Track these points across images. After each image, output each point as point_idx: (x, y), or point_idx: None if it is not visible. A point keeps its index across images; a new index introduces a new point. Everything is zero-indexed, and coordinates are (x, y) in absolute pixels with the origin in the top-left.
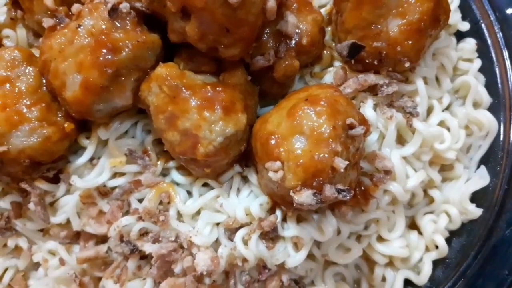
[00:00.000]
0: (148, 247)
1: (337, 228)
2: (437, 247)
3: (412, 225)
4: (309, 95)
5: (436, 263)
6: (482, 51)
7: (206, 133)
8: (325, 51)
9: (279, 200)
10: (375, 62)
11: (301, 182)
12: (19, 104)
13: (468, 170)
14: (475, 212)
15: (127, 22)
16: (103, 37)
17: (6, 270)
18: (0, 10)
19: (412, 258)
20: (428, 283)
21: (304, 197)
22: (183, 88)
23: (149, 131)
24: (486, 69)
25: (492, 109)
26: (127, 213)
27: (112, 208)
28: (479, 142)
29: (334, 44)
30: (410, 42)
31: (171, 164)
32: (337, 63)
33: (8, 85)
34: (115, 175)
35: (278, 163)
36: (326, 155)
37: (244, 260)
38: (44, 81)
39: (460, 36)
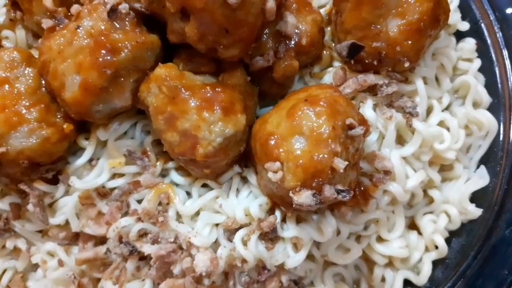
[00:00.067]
0: (147, 248)
1: (336, 228)
2: (436, 247)
3: (412, 225)
4: (309, 96)
5: (435, 263)
6: (482, 51)
7: (206, 133)
8: (324, 52)
9: (279, 201)
10: (375, 62)
11: (301, 183)
12: (18, 105)
13: (468, 170)
14: (475, 212)
15: (126, 23)
16: (102, 38)
17: (4, 271)
18: None
19: (411, 259)
20: (428, 284)
21: (304, 197)
22: (183, 89)
23: (148, 132)
24: (486, 69)
25: (491, 109)
26: (126, 214)
27: (111, 209)
28: (478, 142)
29: (333, 44)
30: (409, 42)
31: (170, 164)
32: (337, 63)
33: (7, 86)
34: (114, 176)
35: (278, 164)
36: (326, 156)
37: (244, 261)
38: (43, 82)
39: (459, 36)
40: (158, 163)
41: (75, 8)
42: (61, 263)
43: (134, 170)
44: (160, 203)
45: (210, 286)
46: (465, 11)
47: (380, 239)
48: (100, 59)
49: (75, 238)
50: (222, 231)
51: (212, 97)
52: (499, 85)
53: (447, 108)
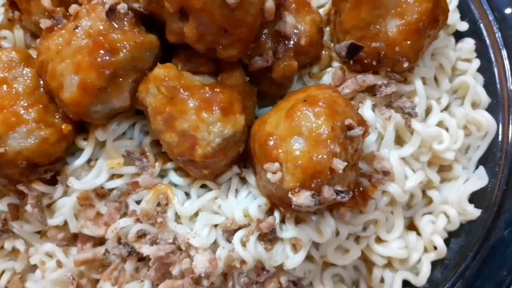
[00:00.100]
0: (146, 249)
1: (335, 229)
2: (435, 248)
3: (411, 226)
4: (308, 96)
5: (434, 264)
6: (481, 51)
7: (204, 134)
8: (323, 52)
9: (278, 202)
10: (374, 63)
11: (300, 184)
12: (16, 106)
13: (467, 171)
14: (474, 212)
15: (125, 23)
16: (101, 38)
17: (3, 272)
18: None
19: (410, 259)
20: (427, 284)
21: (303, 198)
22: (181, 89)
23: (147, 132)
24: (485, 69)
25: (490, 109)
26: (124, 215)
27: (109, 210)
28: (477, 143)
29: (332, 45)
30: (408, 42)
31: (169, 165)
32: (336, 64)
33: (5, 86)
34: (112, 176)
35: (277, 164)
36: (325, 156)
37: (243, 262)
38: (41, 82)
39: (458, 36)
40: (156, 164)
41: (73, 8)
42: (59, 264)
43: (133, 171)
44: (158, 204)
45: (209, 287)
46: (464, 11)
47: (379, 240)
48: (99, 59)
49: (74, 239)
50: (221, 232)
51: (211, 97)
52: (498, 86)
53: (446, 109)
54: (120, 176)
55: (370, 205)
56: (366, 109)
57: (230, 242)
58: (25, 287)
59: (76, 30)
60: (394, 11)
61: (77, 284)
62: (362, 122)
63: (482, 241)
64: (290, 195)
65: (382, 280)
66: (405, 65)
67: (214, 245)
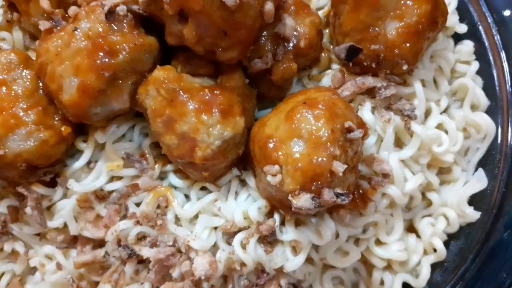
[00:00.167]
0: (146, 252)
1: (335, 231)
2: (435, 250)
3: (410, 228)
4: (307, 98)
5: (434, 266)
6: (480, 53)
7: (204, 136)
8: (323, 54)
9: (278, 204)
10: (373, 65)
11: (300, 186)
12: (16, 108)
13: (466, 173)
14: (473, 215)
15: (124, 25)
16: (100, 40)
17: (2, 274)
18: None
19: (410, 262)
20: (427, 287)
21: (303, 201)
22: (181, 91)
23: (146, 134)
24: (484, 72)
25: (489, 111)
26: (124, 217)
27: (109, 212)
28: (477, 145)
29: (331, 47)
30: (408, 44)
31: (169, 167)
32: (335, 66)
33: (4, 88)
34: (112, 179)
35: (277, 167)
36: (325, 159)
37: (243, 264)
38: (40, 84)
39: (457, 38)
40: (156, 166)
41: (72, 10)
42: (59, 266)
43: (133, 173)
44: (158, 206)
45: None
46: (463, 14)
47: (378, 242)
48: (98, 61)
49: (73, 241)
50: (221, 234)
51: (211, 99)
52: (497, 88)
53: (445, 111)
54: (119, 178)
55: (369, 207)
56: (365, 112)
57: (230, 244)
58: None
59: (75, 32)
60: (393, 14)
61: (77, 286)
62: (361, 124)
63: (482, 244)
64: (290, 197)
65: (382, 283)
66: (405, 67)
67: (214, 248)
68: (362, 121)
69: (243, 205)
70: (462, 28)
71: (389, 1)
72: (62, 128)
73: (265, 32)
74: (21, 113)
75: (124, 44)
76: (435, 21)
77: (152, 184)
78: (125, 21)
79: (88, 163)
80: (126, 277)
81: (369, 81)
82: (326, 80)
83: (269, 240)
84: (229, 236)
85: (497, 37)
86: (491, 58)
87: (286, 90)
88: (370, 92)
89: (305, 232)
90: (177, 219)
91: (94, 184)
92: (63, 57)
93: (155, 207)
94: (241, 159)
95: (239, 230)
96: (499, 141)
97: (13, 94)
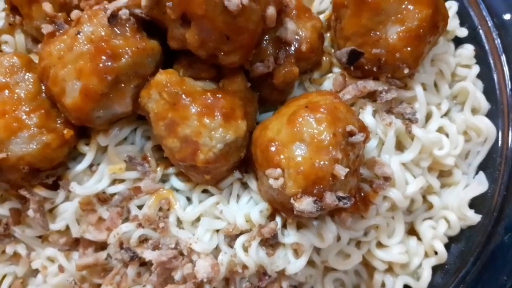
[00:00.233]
0: (148, 254)
1: (336, 234)
2: (436, 253)
3: (411, 231)
4: (309, 102)
5: (435, 269)
6: (480, 57)
7: (206, 139)
8: (324, 58)
9: (279, 207)
10: (374, 69)
11: (302, 190)
12: (18, 111)
13: (467, 176)
14: (474, 218)
15: (127, 28)
16: (103, 43)
17: (4, 277)
18: None
19: (411, 264)
20: None
21: (305, 204)
22: (183, 95)
23: (148, 137)
24: (484, 75)
25: (490, 115)
26: (126, 219)
27: (111, 215)
28: (477, 148)
29: (333, 51)
30: (409, 48)
31: (171, 170)
32: (336, 69)
33: (7, 91)
34: (114, 181)
35: (279, 170)
36: (327, 163)
37: (244, 267)
38: (43, 87)
39: (458, 42)
40: (158, 169)
41: (75, 13)
42: (61, 269)
43: (135, 176)
44: (160, 209)
45: None
46: (464, 18)
47: (380, 245)
48: (101, 65)
49: (76, 243)
50: (222, 237)
51: (213, 103)
52: (498, 91)
53: (446, 114)
54: (122, 181)
55: (371, 210)
56: (367, 115)
57: (232, 247)
58: None
59: (78, 35)
60: (395, 18)
61: None
62: (363, 128)
63: (483, 246)
64: (292, 201)
65: (383, 285)
66: (406, 71)
67: (216, 250)
68: (363, 125)
69: (245, 208)
70: (463, 32)
71: (391, 6)
72: (65, 131)
73: (267, 36)
74: (24, 116)
75: (127, 48)
76: (436, 25)
77: (154, 187)
78: (127, 25)
79: (90, 166)
80: (128, 279)
81: (370, 84)
82: (328, 83)
83: (271, 242)
84: (231, 238)
85: (498, 41)
86: (491, 61)
87: (288, 94)
88: (371, 96)
89: (306, 235)
90: (179, 222)
91: (96, 187)
92: (66, 60)
93: (157, 209)
94: (242, 162)
95: (241, 233)
96: (499, 145)
97: (15, 97)
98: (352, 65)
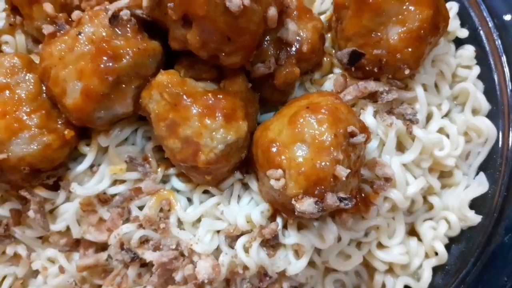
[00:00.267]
0: (149, 255)
1: (337, 235)
2: (436, 253)
3: (412, 232)
4: (310, 103)
5: (435, 269)
6: (481, 58)
7: (207, 140)
8: (325, 58)
9: (280, 208)
10: (375, 70)
11: (303, 190)
12: (19, 111)
13: (467, 177)
14: (474, 218)
15: (128, 29)
16: (104, 44)
17: (4, 277)
18: None
19: (411, 265)
20: None
21: (306, 205)
22: (184, 96)
23: (149, 138)
24: (485, 76)
25: (490, 116)
26: (127, 220)
27: (112, 215)
28: (478, 149)
29: (333, 51)
30: (410, 49)
31: (171, 171)
32: (337, 70)
33: (7, 92)
34: (115, 182)
35: (280, 171)
36: (328, 164)
37: (245, 267)
38: (44, 88)
39: (459, 43)
40: (159, 169)
41: (76, 14)
42: (62, 270)
43: (135, 177)
44: (161, 210)
45: None
46: (464, 18)
47: (380, 246)
48: (102, 66)
49: (76, 244)
50: (223, 238)
51: (214, 104)
52: (498, 92)
53: (446, 115)
54: (122, 181)
55: (372, 211)
56: (367, 116)
57: (232, 248)
58: None
59: (79, 36)
60: (396, 19)
61: None
62: (364, 129)
63: (483, 247)
64: (293, 202)
65: (383, 286)
66: (406, 72)
67: (217, 251)
68: (364, 126)
69: (245, 208)
70: (463, 33)
71: (392, 7)
72: (65, 132)
73: (268, 37)
74: (25, 117)
75: (128, 49)
76: (437, 26)
77: (155, 188)
78: (128, 25)
79: (91, 166)
80: (128, 280)
81: (371, 85)
82: (328, 84)
83: (271, 243)
84: (232, 239)
85: (498, 42)
86: (492, 62)
87: (288, 94)
88: (372, 97)
89: (307, 235)
90: (180, 223)
91: (97, 187)
92: (67, 61)
93: (158, 210)
94: (243, 162)
95: (242, 234)
96: (500, 145)
97: (16, 98)
98: (353, 66)
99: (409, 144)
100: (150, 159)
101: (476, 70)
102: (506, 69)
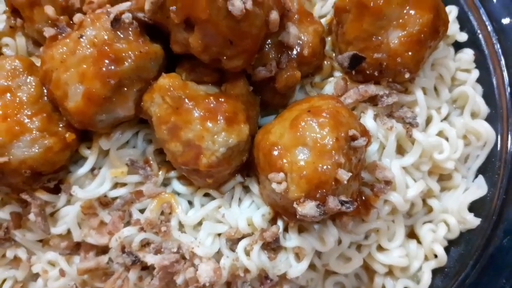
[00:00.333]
0: (150, 258)
1: (338, 238)
2: (436, 256)
3: (411, 235)
4: (311, 107)
5: (435, 272)
6: (480, 61)
7: (209, 144)
8: (325, 61)
9: (281, 211)
10: (376, 73)
11: (305, 194)
12: (20, 114)
13: (466, 180)
14: (473, 221)
15: (130, 32)
16: (106, 47)
17: (4, 281)
18: None
19: (411, 267)
20: None
21: (308, 208)
22: (186, 99)
23: (150, 141)
24: (484, 80)
25: (489, 119)
26: (128, 223)
27: (113, 218)
28: (477, 152)
29: (334, 55)
30: (410, 53)
31: (172, 174)
32: (337, 73)
33: (9, 95)
34: (116, 185)
35: (281, 175)
36: (330, 167)
37: (246, 270)
38: (45, 91)
39: (458, 46)
40: (160, 173)
41: (77, 17)
42: (62, 273)
43: (136, 180)
44: (162, 213)
45: None
46: (463, 22)
47: (380, 248)
48: (104, 69)
49: (77, 247)
50: (224, 241)
51: (216, 107)
52: (497, 96)
53: (445, 118)
54: (123, 184)
55: (372, 214)
56: (368, 119)
57: (234, 251)
58: None
59: (81, 39)
60: (396, 23)
61: None
62: (365, 132)
63: (482, 250)
64: (295, 205)
65: None
66: (407, 75)
67: (218, 254)
68: (365, 129)
69: (246, 211)
70: (463, 37)
71: (392, 11)
72: (67, 135)
73: (269, 40)
74: (26, 120)
75: (130, 52)
76: (437, 30)
77: (156, 191)
78: (130, 28)
79: (92, 169)
80: (130, 283)
81: (371, 89)
82: (329, 87)
83: (272, 246)
84: (233, 242)
85: (497, 46)
86: (491, 66)
87: (289, 98)
88: (372, 100)
89: (308, 238)
90: (181, 226)
91: (98, 190)
92: (69, 64)
93: (159, 213)
94: (244, 165)
95: (243, 237)
96: (498, 148)
97: (17, 101)
98: (354, 70)
99: (409, 147)
100: (151, 162)
101: (475, 73)
102: (505, 73)
